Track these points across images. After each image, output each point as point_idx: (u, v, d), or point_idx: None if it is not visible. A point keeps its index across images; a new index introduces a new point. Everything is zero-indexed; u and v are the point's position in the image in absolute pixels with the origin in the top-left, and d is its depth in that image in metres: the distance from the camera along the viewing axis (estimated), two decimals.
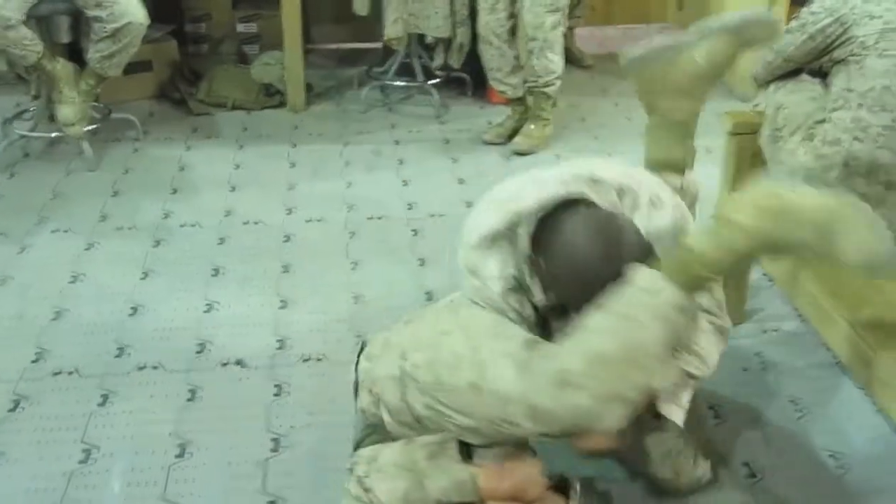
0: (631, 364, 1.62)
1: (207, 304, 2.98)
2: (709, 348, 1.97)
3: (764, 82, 2.71)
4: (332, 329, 2.86)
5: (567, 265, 1.77)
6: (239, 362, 2.70)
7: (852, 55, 2.39)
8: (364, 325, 2.87)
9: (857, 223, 1.64)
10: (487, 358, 1.75)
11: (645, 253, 1.76)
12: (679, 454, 2.04)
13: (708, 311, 1.99)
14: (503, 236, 1.85)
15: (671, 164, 2.17)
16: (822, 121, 2.46)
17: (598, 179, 1.85)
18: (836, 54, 2.45)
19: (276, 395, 2.56)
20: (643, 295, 1.64)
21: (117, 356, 2.72)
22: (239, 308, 2.97)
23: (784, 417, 2.48)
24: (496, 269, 1.84)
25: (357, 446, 2.00)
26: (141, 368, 2.67)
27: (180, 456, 2.34)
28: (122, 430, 2.42)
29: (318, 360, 2.71)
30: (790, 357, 2.69)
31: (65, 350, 2.74)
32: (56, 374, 2.63)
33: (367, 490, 1.83)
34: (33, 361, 2.68)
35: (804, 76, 2.67)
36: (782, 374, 2.62)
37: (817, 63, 2.61)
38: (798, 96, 2.59)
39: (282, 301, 3.01)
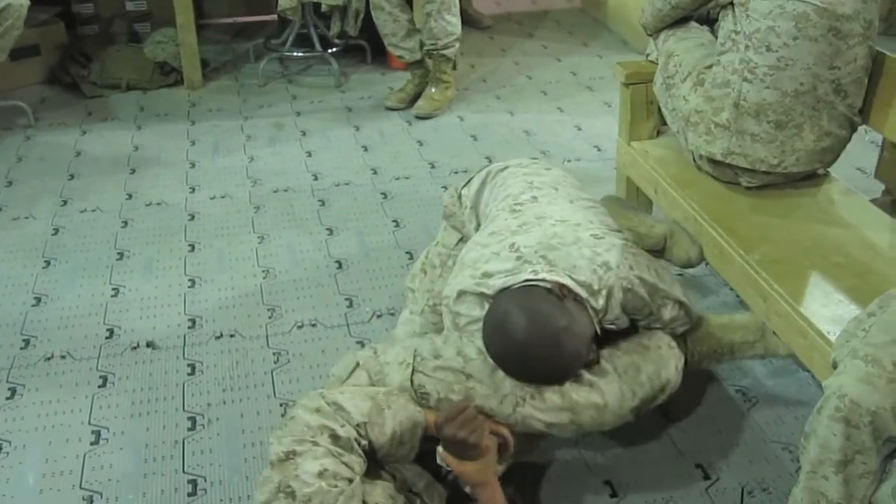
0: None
1: (114, 289, 2.93)
2: None
3: (654, 30, 2.76)
4: (242, 304, 2.84)
5: (490, 351, 1.96)
6: (150, 344, 2.66)
7: None
8: (274, 299, 2.85)
9: (680, 238, 2.49)
10: None
11: (564, 345, 1.90)
12: None
13: None
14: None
15: None
16: (711, 66, 2.52)
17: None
18: None
19: (189, 374, 2.53)
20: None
21: (23, 348, 2.65)
22: (146, 290, 2.92)
23: None
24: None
25: None
26: (49, 359, 2.61)
27: (95, 443, 2.30)
28: (34, 422, 2.37)
29: (231, 336, 2.69)
30: (696, 298, 2.76)
31: None
32: None
33: (330, 403, 1.84)
34: None
35: (692, 24, 2.73)
36: None
37: (704, 9, 2.67)
38: (687, 43, 2.65)
39: (190, 280, 2.97)
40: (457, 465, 1.89)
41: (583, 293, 1.94)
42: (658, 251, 2.52)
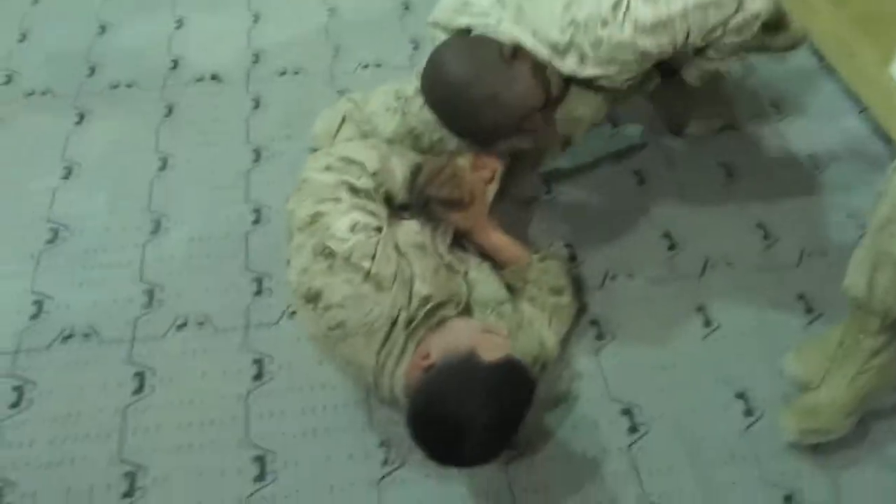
0: None
1: (177, 21, 2.88)
2: None
3: None
4: (307, 42, 2.78)
5: (421, 90, 1.92)
6: (214, 77, 2.65)
7: None
8: (340, 37, 2.80)
9: None
10: None
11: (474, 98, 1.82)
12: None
13: None
14: None
15: None
16: None
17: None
18: None
19: (254, 108, 2.53)
20: None
21: (89, 75, 2.66)
22: (210, 23, 2.87)
23: (764, 120, 2.48)
24: None
25: None
26: (114, 87, 2.62)
27: (162, 169, 2.34)
28: (102, 148, 2.41)
29: (296, 73, 2.66)
30: (773, 60, 2.64)
31: (35, 71, 2.67)
32: (29, 94, 2.58)
33: (340, 158, 1.85)
34: (4, 84, 2.62)
35: None
36: (764, 78, 2.60)
37: None
38: None
39: (254, 15, 2.90)
40: (445, 216, 1.89)
41: (544, 53, 1.82)
42: None
